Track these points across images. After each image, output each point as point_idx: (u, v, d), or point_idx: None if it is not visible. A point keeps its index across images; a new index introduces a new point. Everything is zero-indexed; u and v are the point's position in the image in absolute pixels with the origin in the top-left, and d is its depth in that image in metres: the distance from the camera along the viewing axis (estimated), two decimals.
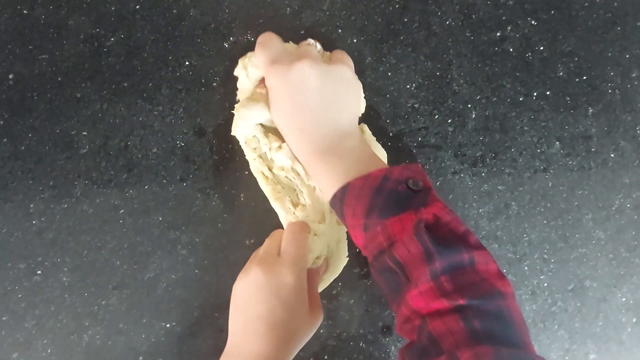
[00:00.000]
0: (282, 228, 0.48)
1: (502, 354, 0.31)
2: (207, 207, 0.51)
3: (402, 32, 0.52)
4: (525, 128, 0.53)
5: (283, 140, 0.45)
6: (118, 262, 0.51)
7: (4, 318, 0.50)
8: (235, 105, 0.47)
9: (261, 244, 0.48)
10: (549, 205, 0.52)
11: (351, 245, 0.51)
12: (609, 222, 0.52)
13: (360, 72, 0.51)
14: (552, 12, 0.53)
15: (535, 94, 0.53)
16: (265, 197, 0.48)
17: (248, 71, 0.46)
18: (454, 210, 0.52)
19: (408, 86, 0.52)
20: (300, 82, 0.42)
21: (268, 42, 0.45)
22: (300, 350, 0.49)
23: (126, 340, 0.50)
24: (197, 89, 0.51)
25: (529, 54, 0.53)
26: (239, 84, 0.48)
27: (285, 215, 0.47)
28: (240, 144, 0.48)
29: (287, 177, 0.47)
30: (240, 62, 0.47)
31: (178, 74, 0.51)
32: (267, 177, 0.47)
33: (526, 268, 0.52)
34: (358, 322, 0.51)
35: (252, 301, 0.42)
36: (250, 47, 0.50)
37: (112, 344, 0.50)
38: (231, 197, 0.51)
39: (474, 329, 0.33)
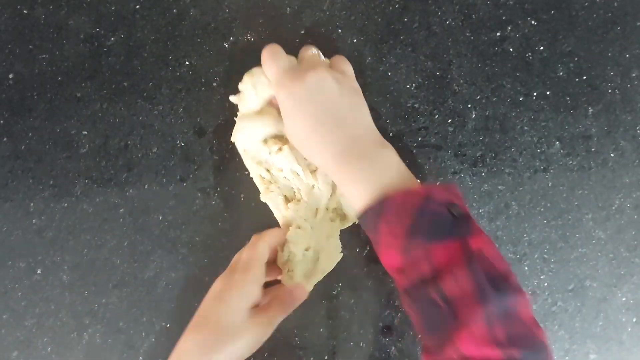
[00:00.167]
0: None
1: None
2: (207, 207, 0.51)
3: (402, 32, 0.52)
4: (525, 128, 0.53)
5: (282, 143, 0.45)
6: (118, 261, 0.51)
7: (4, 316, 0.50)
8: (238, 115, 0.47)
9: None
10: (549, 205, 0.52)
11: (350, 245, 0.51)
12: (609, 222, 0.52)
13: (360, 72, 0.51)
14: (552, 12, 0.53)
15: (535, 94, 0.53)
16: None
17: (257, 89, 0.45)
18: None
19: (408, 86, 0.52)
20: (319, 89, 0.41)
21: (276, 54, 0.43)
22: (300, 350, 0.49)
23: (126, 339, 0.51)
24: (197, 89, 0.51)
25: (529, 54, 0.53)
26: (242, 98, 0.47)
27: (277, 211, 0.47)
28: (238, 150, 0.48)
29: (285, 178, 0.47)
30: (247, 78, 0.46)
31: (178, 73, 0.51)
32: (263, 178, 0.47)
33: (526, 268, 0.52)
34: (358, 322, 0.51)
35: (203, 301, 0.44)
36: (250, 46, 0.50)
37: (112, 343, 0.50)
38: (231, 197, 0.51)
39: None
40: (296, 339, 0.51)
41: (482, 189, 0.52)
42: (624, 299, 0.52)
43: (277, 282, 0.47)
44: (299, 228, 0.46)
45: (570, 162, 0.53)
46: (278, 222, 0.48)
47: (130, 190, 0.51)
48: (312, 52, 0.45)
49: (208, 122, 0.51)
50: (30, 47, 0.51)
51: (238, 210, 0.51)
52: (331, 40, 0.52)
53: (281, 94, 0.42)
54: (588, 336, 0.52)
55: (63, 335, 0.50)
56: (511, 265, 0.52)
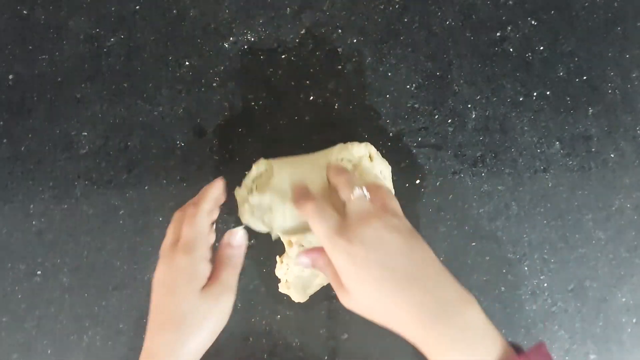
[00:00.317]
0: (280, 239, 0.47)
1: None
2: None
3: (402, 32, 0.52)
4: (525, 128, 0.53)
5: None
6: (118, 263, 0.51)
7: (4, 319, 0.50)
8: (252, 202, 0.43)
9: (261, 243, 0.48)
10: (549, 205, 0.52)
11: None
12: (609, 222, 0.52)
13: (360, 72, 0.51)
14: (552, 12, 0.53)
15: (535, 94, 0.53)
16: None
17: (264, 220, 0.43)
18: (454, 210, 0.52)
19: (408, 86, 0.52)
20: (380, 245, 0.37)
21: (323, 212, 0.39)
22: (300, 351, 0.49)
23: (126, 341, 0.50)
24: (197, 89, 0.51)
25: (529, 54, 0.53)
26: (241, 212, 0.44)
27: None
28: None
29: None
30: (242, 201, 0.43)
31: (178, 74, 0.51)
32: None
33: (526, 268, 0.52)
34: (358, 322, 0.51)
35: (154, 296, 0.41)
36: (251, 47, 0.50)
37: (112, 345, 0.50)
38: (231, 197, 0.51)
39: None
40: (296, 339, 0.51)
41: (482, 189, 0.52)
42: (624, 299, 0.52)
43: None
44: (302, 246, 0.46)
45: (571, 162, 0.53)
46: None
47: (130, 192, 0.51)
48: (357, 195, 0.40)
49: (208, 122, 0.51)
50: (30, 48, 0.51)
51: (238, 211, 0.51)
52: (331, 40, 0.52)
53: (339, 259, 0.37)
54: (588, 336, 0.52)
55: (63, 338, 0.50)
56: (511, 265, 0.52)
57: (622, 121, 0.53)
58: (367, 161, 0.45)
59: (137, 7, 0.51)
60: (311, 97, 0.52)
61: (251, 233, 0.51)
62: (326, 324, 0.51)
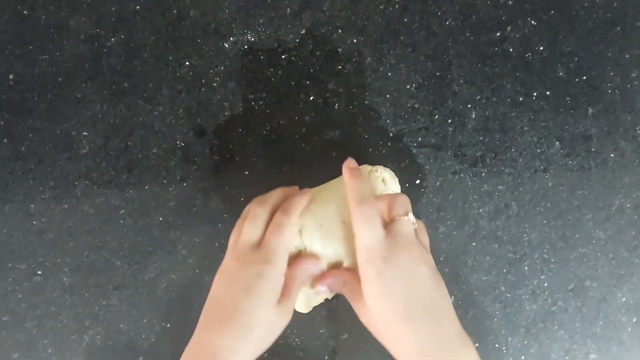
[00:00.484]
0: None
1: None
2: (207, 207, 0.51)
3: (402, 33, 0.52)
4: (525, 128, 0.53)
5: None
6: (118, 263, 0.51)
7: (4, 318, 0.50)
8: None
9: None
10: (549, 205, 0.52)
11: None
12: (609, 222, 0.52)
13: (360, 72, 0.51)
14: (552, 12, 0.53)
15: (535, 94, 0.53)
16: None
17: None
18: (454, 210, 0.52)
19: (408, 86, 0.52)
20: (411, 273, 0.38)
21: (373, 219, 0.39)
22: (300, 351, 0.49)
23: (127, 341, 0.51)
24: (197, 89, 0.51)
25: (529, 54, 0.53)
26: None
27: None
28: None
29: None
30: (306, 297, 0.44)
31: (178, 74, 0.51)
32: None
33: (526, 268, 0.52)
34: (358, 322, 0.51)
35: (221, 292, 0.40)
36: (251, 47, 0.50)
37: (112, 344, 0.50)
38: (231, 197, 0.51)
39: None
40: (296, 339, 0.51)
41: (482, 189, 0.52)
42: (624, 299, 0.52)
43: None
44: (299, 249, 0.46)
45: (570, 162, 0.53)
46: None
47: (131, 191, 0.51)
48: (408, 221, 0.40)
49: (208, 122, 0.51)
50: (31, 48, 0.51)
51: (238, 211, 0.51)
52: (331, 40, 0.52)
53: (369, 271, 0.38)
54: (588, 336, 0.52)
55: (64, 337, 0.50)
56: (511, 265, 0.52)
57: (622, 121, 0.53)
58: (381, 185, 0.45)
59: (138, 7, 0.51)
60: (311, 97, 0.52)
61: None
62: (326, 324, 0.51)
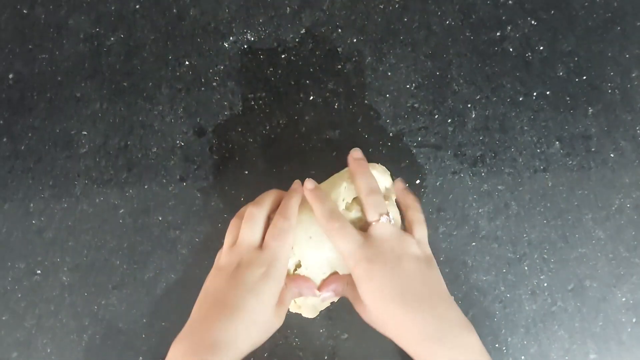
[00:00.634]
0: None
1: None
2: (207, 207, 0.51)
3: (402, 32, 0.52)
4: (525, 128, 0.53)
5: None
6: (118, 262, 0.51)
7: (3, 317, 0.50)
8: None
9: None
10: (549, 205, 0.52)
11: None
12: (609, 221, 0.52)
13: (360, 72, 0.51)
14: (552, 12, 0.53)
15: (535, 93, 0.53)
16: None
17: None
18: (454, 210, 0.52)
19: (408, 86, 0.52)
20: (399, 266, 0.39)
21: (346, 230, 0.41)
22: (300, 351, 0.49)
23: (126, 340, 0.50)
24: (197, 88, 0.51)
25: (529, 53, 0.53)
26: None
27: None
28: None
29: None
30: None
31: (178, 73, 0.51)
32: None
33: (526, 268, 0.52)
34: (358, 322, 0.51)
35: (222, 287, 0.41)
36: (251, 47, 0.50)
37: (111, 344, 0.50)
38: (231, 196, 0.51)
39: None
40: (296, 339, 0.51)
41: (482, 189, 0.52)
42: (623, 299, 0.52)
43: None
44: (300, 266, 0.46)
45: (570, 162, 0.53)
46: None
47: (130, 191, 0.51)
48: (383, 224, 0.41)
49: (208, 122, 0.51)
50: (30, 46, 0.51)
51: (238, 211, 0.51)
52: (331, 40, 0.52)
53: (359, 277, 0.40)
54: (588, 336, 0.52)
55: (63, 336, 0.50)
56: (511, 265, 0.52)
57: (621, 120, 0.53)
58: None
59: (137, 6, 0.51)
60: (311, 97, 0.52)
61: None
62: (326, 324, 0.51)
